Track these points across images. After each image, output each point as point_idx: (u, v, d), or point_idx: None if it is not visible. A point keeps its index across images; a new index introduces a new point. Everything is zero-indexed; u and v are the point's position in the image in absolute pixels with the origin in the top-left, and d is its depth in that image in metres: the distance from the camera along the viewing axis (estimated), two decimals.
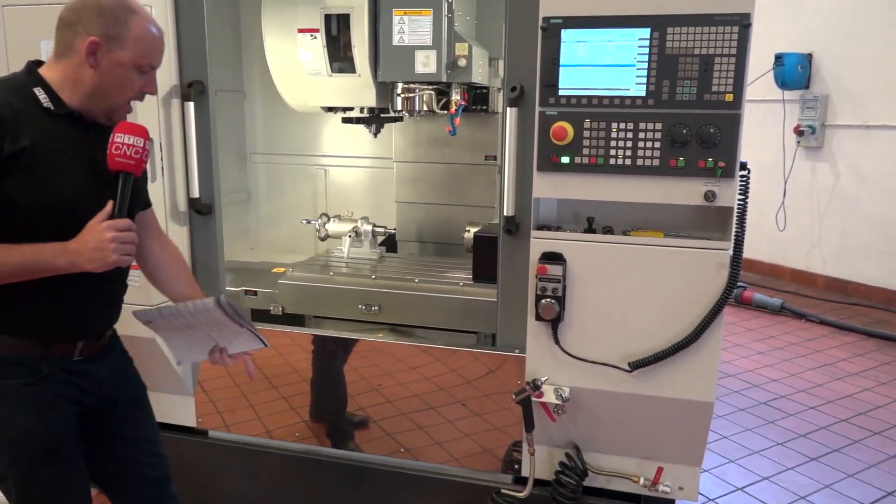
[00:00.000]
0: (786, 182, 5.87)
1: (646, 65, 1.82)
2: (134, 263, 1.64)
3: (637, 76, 1.83)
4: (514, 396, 2.09)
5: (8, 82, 1.52)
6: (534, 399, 2.06)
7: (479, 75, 2.80)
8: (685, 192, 1.86)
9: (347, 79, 2.74)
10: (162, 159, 2.39)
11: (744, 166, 1.86)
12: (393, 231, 3.17)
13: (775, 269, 6.11)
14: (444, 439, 2.41)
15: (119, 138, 1.52)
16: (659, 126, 1.83)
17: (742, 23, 1.74)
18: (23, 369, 1.53)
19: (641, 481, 2.17)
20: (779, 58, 5.71)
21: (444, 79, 2.64)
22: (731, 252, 1.89)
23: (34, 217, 1.47)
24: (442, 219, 3.41)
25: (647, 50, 1.81)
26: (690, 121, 1.81)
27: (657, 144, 1.84)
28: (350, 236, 3.09)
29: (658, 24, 1.79)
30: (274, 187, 3.75)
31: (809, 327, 5.01)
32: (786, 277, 6.04)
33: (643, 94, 1.83)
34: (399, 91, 2.79)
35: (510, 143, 2.08)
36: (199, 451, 2.61)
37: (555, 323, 2.01)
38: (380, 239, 3.18)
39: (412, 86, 2.78)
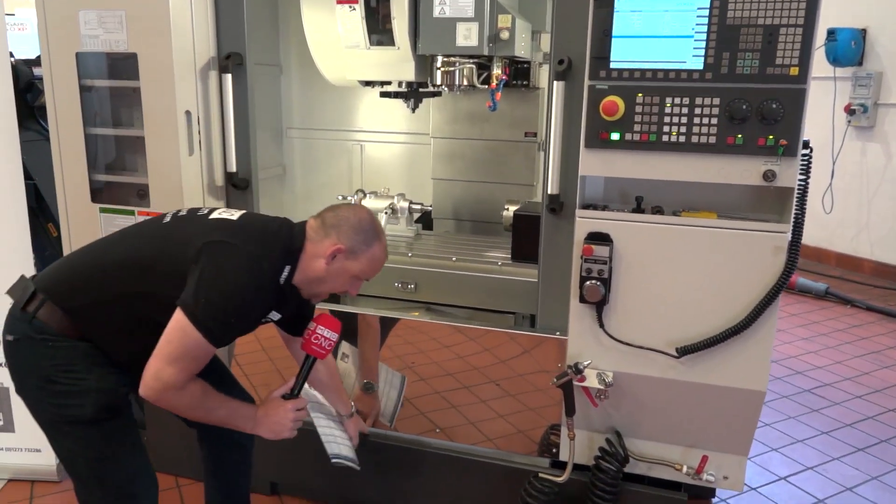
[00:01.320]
0: (834, 162, 5.66)
1: (704, 36, 1.72)
2: None
3: (694, 48, 1.73)
4: (555, 380, 2.03)
5: (278, 244, 1.69)
6: (575, 383, 2.00)
7: (522, 49, 2.70)
8: (743, 171, 1.77)
9: (386, 52, 2.67)
10: (199, 132, 2.36)
11: (806, 145, 1.76)
12: (429, 208, 3.11)
13: (820, 253, 5.92)
14: (478, 419, 2.36)
15: (320, 331, 1.79)
16: (717, 101, 1.74)
17: None
18: (83, 341, 1.65)
19: (685, 469, 2.10)
20: (831, 33, 5.47)
21: (485, 52, 2.55)
22: (789, 235, 1.79)
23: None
24: (479, 196, 3.34)
25: (706, 20, 1.71)
26: (751, 96, 1.71)
27: (714, 121, 1.75)
28: (386, 213, 3.03)
29: None
30: (309, 162, 3.71)
31: (855, 313, 4.85)
32: (831, 262, 5.85)
33: (700, 66, 1.73)
34: (439, 65, 2.72)
35: (556, 119, 2.00)
36: None
37: (599, 306, 1.94)
38: (416, 216, 3.12)
39: (452, 59, 2.69)
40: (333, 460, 1.94)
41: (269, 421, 1.71)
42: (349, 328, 2.49)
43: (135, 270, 1.63)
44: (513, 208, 2.83)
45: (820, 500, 2.71)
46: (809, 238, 5.94)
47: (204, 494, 2.12)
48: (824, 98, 5.68)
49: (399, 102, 3.01)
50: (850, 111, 5.53)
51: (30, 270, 2.55)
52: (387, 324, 2.44)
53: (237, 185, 2.39)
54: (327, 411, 2.06)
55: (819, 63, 5.55)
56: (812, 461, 2.99)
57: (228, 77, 2.31)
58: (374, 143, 3.57)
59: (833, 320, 4.71)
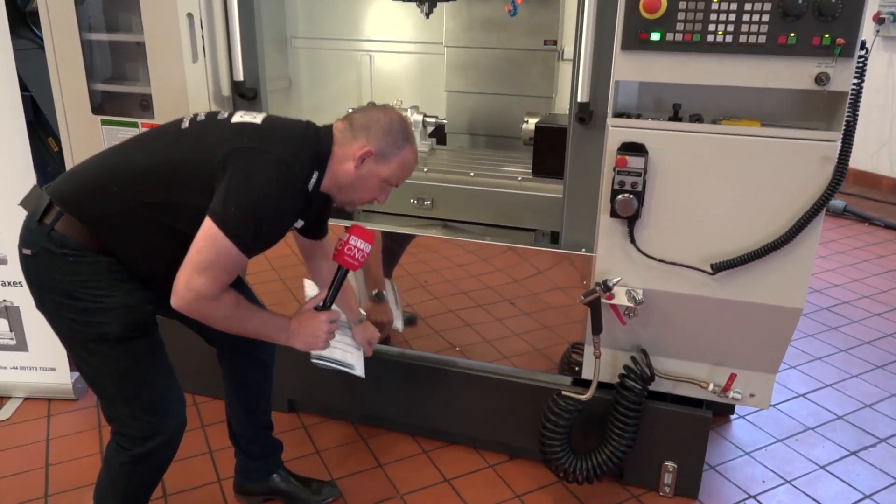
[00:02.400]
0: None
1: None
2: None
3: None
4: (582, 298, 1.96)
5: (307, 149, 1.59)
6: (603, 301, 1.93)
7: None
8: (793, 74, 1.63)
9: None
10: (203, 38, 2.20)
11: (863, 45, 1.62)
12: (444, 121, 2.97)
13: None
14: (494, 338, 2.31)
15: (353, 241, 1.72)
16: None
17: None
18: (105, 256, 1.58)
19: (711, 387, 2.06)
20: None
21: None
22: (839, 144, 1.68)
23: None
24: (495, 109, 3.20)
25: None
26: None
27: (765, 18, 1.60)
28: None
29: None
30: (316, 75, 3.54)
31: (873, 231, 4.76)
32: (849, 179, 5.69)
33: None
34: None
35: (588, 19, 1.84)
36: None
37: (631, 220, 1.84)
38: (430, 130, 2.99)
39: None
40: (314, 360, 1.88)
41: (304, 332, 1.68)
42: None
43: (157, 178, 1.53)
44: (533, 121, 2.70)
45: (839, 416, 2.70)
46: None
47: (225, 412, 2.09)
48: None
49: (410, 9, 2.84)
50: (878, 20, 5.26)
51: (32, 185, 2.45)
52: (402, 241, 2.35)
53: (244, 95, 2.26)
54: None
55: None
56: (831, 378, 2.97)
57: None
58: (385, 53, 3.39)
59: (851, 238, 4.63)
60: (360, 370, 2.02)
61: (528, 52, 3.05)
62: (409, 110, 2.91)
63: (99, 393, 1.66)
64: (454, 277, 2.34)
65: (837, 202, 4.97)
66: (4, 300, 2.62)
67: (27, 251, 1.56)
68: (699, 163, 1.77)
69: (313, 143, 1.61)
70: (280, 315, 1.69)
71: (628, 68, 1.76)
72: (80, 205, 1.54)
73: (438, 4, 2.89)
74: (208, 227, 1.46)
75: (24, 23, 2.69)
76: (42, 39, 2.33)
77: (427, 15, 2.83)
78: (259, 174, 1.49)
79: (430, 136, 3.02)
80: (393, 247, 2.38)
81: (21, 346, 2.69)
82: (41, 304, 1.60)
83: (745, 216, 1.78)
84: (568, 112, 2.04)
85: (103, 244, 1.55)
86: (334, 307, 1.81)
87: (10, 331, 2.66)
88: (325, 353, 1.88)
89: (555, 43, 3.00)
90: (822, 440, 2.55)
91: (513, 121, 3.10)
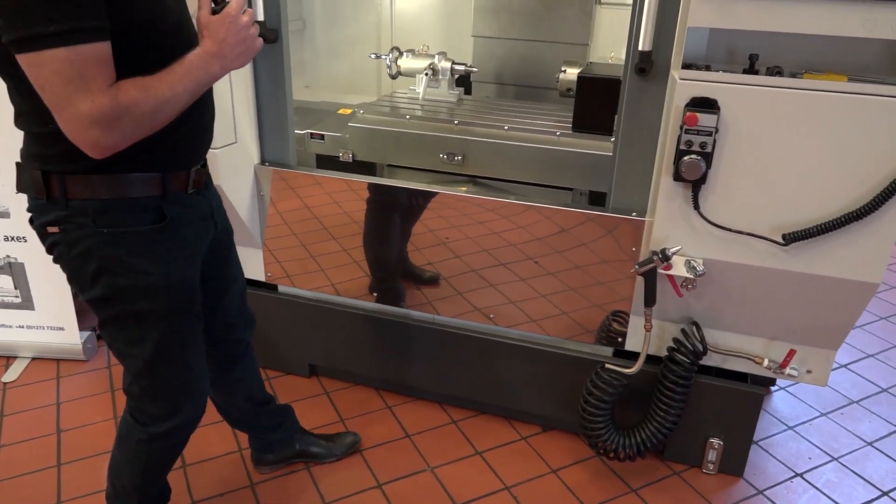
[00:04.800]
0: None
1: None
2: None
3: None
4: (637, 267, 1.81)
5: None
6: (660, 271, 1.78)
7: None
8: (893, 21, 1.44)
9: None
10: None
11: None
12: (474, 69, 2.77)
13: None
14: (537, 305, 2.17)
15: None
16: None
17: None
18: (146, 214, 1.37)
19: (766, 363, 1.93)
20: None
21: None
22: None
23: (136, 36, 1.23)
24: (526, 56, 2.99)
25: None
26: None
27: None
28: (427, 74, 2.70)
29: None
30: (331, 16, 3.32)
31: None
32: None
33: None
34: None
35: None
36: (270, 306, 2.43)
37: (697, 184, 1.67)
38: (456, 77, 2.79)
39: None
40: None
41: (230, 46, 1.30)
42: (397, 202, 2.25)
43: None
44: (573, 71, 2.51)
45: (884, 388, 2.59)
46: None
47: (217, 407, 1.95)
48: None
49: None
50: None
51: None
52: (430, 198, 2.19)
53: (266, 38, 2.05)
54: None
55: None
56: (873, 348, 2.85)
57: None
58: None
59: None
60: None
61: None
62: (436, 56, 2.71)
63: (126, 365, 1.50)
64: (478, 234, 2.18)
65: None
66: (7, 256, 2.47)
67: (54, 227, 1.35)
68: (777, 122, 1.59)
69: None
70: (189, 54, 1.28)
71: (704, 13, 1.56)
72: (65, 154, 1.27)
73: None
74: (23, 62, 1.13)
75: None
76: None
77: None
78: None
79: (457, 84, 2.82)
80: (416, 203, 2.21)
81: (27, 303, 2.55)
82: (73, 279, 1.42)
83: (825, 182, 1.61)
84: (612, 61, 1.85)
85: (116, 160, 1.27)
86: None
87: (15, 288, 2.52)
88: None
89: None
90: (867, 414, 2.44)
91: (545, 69, 2.90)
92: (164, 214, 1.39)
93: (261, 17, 2.00)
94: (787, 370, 1.92)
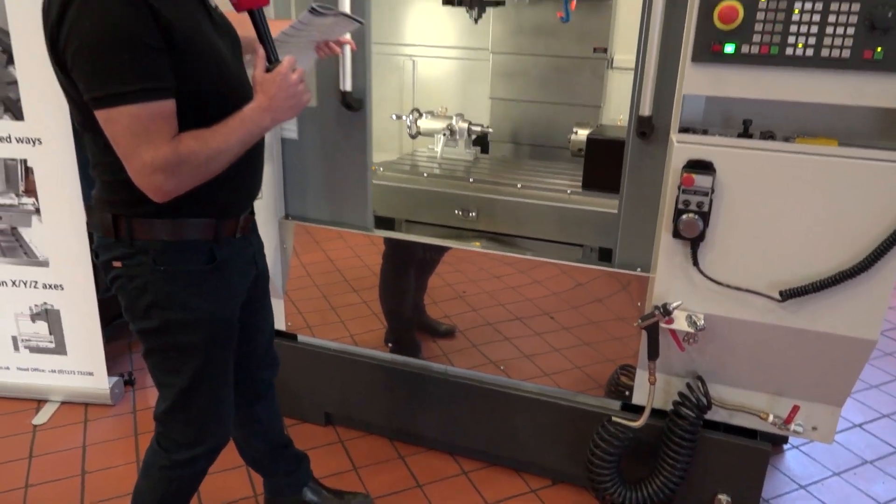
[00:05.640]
0: None
1: None
2: None
3: None
4: (639, 321, 1.87)
5: None
6: (662, 326, 1.84)
7: None
8: (879, 91, 1.53)
9: None
10: None
11: None
12: (489, 130, 2.90)
13: None
14: (541, 355, 2.23)
15: None
16: (856, 7, 1.48)
17: None
18: (199, 255, 1.52)
19: (771, 418, 1.95)
20: None
21: None
22: None
23: (200, 96, 1.38)
24: (541, 118, 3.12)
25: None
26: None
27: (850, 31, 1.50)
28: (444, 134, 2.84)
29: None
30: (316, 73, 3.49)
31: None
32: None
33: None
34: None
35: (654, 29, 1.75)
36: (289, 355, 2.52)
37: (695, 242, 1.75)
38: (473, 137, 2.92)
39: None
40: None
41: (280, 100, 1.42)
42: (413, 258, 2.35)
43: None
44: (583, 132, 2.61)
45: None
46: None
47: (236, 445, 2.02)
48: None
49: (454, 14, 2.77)
50: None
51: (75, 185, 2.44)
52: (440, 252, 2.28)
53: (351, 106, 2.16)
54: (291, 40, 1.64)
55: None
56: (888, 408, 2.83)
57: None
58: (428, 58, 3.33)
59: None
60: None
61: (577, 59, 2.97)
62: (454, 117, 2.85)
63: (163, 392, 1.62)
64: (497, 289, 2.26)
65: None
66: (45, 303, 2.61)
67: (118, 263, 1.49)
68: (771, 183, 1.67)
69: None
70: (243, 109, 1.41)
71: (698, 82, 1.66)
72: (134, 199, 1.41)
73: (486, 10, 2.82)
74: (101, 117, 1.29)
75: None
76: None
77: (476, 20, 2.77)
78: (76, 31, 1.25)
79: (474, 144, 2.95)
80: (432, 257, 2.31)
81: (60, 349, 2.67)
82: (128, 309, 1.55)
83: (819, 241, 1.67)
84: (621, 124, 1.96)
85: (177, 206, 1.42)
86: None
87: (50, 333, 2.65)
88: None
89: (605, 51, 2.91)
90: (881, 475, 2.42)
91: (559, 130, 3.01)
92: (215, 256, 1.53)
93: (348, 88, 2.12)
94: (792, 426, 1.94)
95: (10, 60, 2.33)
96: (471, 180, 2.56)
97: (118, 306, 1.56)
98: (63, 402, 2.71)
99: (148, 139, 1.29)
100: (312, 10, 1.52)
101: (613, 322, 2.09)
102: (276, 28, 1.56)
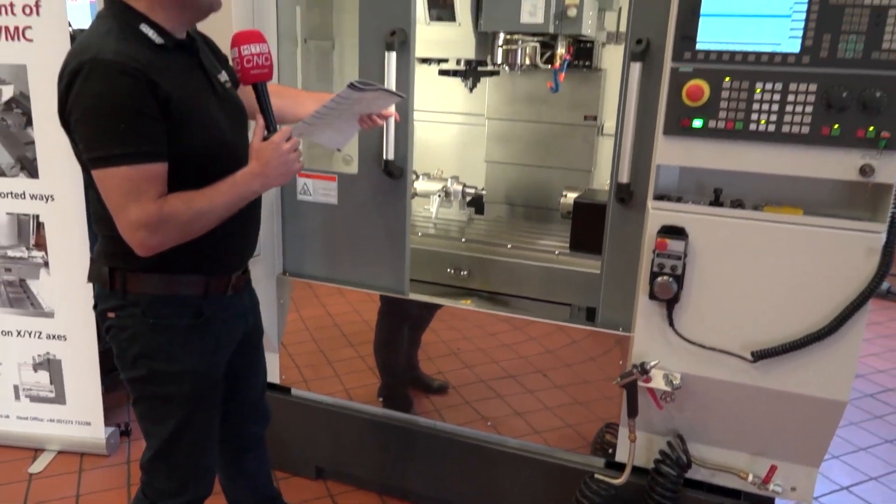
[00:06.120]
0: None
1: (803, 15, 1.58)
2: None
3: (791, 29, 1.59)
4: (618, 380, 1.93)
5: (111, 30, 1.44)
6: (640, 384, 1.90)
7: (589, 27, 2.57)
8: (837, 165, 1.63)
9: (446, 28, 2.57)
10: None
11: None
12: (482, 192, 3.02)
13: None
14: (526, 411, 2.28)
15: (246, 51, 1.52)
16: (813, 87, 1.60)
17: None
18: (187, 310, 1.59)
19: (750, 478, 1.99)
20: None
21: (551, 30, 2.43)
22: (884, 236, 1.66)
23: (200, 162, 1.49)
24: (534, 181, 3.24)
25: None
26: (852, 82, 1.57)
27: (809, 109, 1.61)
28: (439, 196, 2.95)
29: None
30: (358, 139, 3.64)
31: None
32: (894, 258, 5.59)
33: (797, 50, 1.60)
34: (500, 42, 2.61)
35: (630, 103, 1.88)
36: (282, 408, 2.57)
37: (670, 303, 1.83)
38: (468, 199, 3.03)
39: (515, 37, 2.58)
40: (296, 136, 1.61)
41: (273, 167, 1.51)
42: (408, 315, 2.43)
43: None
44: (572, 195, 2.72)
45: None
46: None
47: (226, 497, 2.07)
48: None
49: (453, 81, 2.91)
50: None
51: (84, 240, 2.54)
52: (436, 310, 2.36)
53: (392, 174, 2.25)
54: (331, 113, 1.70)
55: None
56: (876, 471, 2.84)
57: (392, 55, 2.14)
58: (426, 122, 3.48)
59: (895, 321, 4.50)
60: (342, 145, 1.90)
61: (569, 126, 3.10)
62: (449, 180, 2.97)
63: (148, 441, 1.68)
64: (487, 347, 2.33)
65: None
66: (48, 353, 2.68)
67: (112, 313, 1.59)
68: (740, 249, 1.76)
69: (112, 16, 1.46)
70: (235, 174, 1.50)
71: (670, 153, 1.77)
72: (119, 250, 1.51)
73: (482, 79, 2.97)
74: (95, 175, 1.41)
75: None
76: None
77: (471, 89, 2.91)
78: (80, 100, 1.38)
79: (469, 205, 3.06)
80: (424, 315, 2.39)
81: (59, 398, 2.73)
82: (118, 358, 1.62)
83: (788, 304, 1.75)
84: (607, 187, 2.06)
85: (164, 260, 1.51)
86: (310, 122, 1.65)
87: (51, 383, 2.72)
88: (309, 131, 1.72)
89: (595, 118, 3.05)
90: None
91: (552, 193, 3.12)
92: (202, 312, 1.61)
93: (391, 157, 2.22)
94: (771, 486, 1.97)
95: (29, 122, 2.48)
96: (463, 240, 2.66)
97: None
98: (60, 452, 2.76)
99: (136, 198, 1.39)
100: (352, 86, 1.60)
101: (600, 380, 2.15)
102: (319, 100, 1.67)
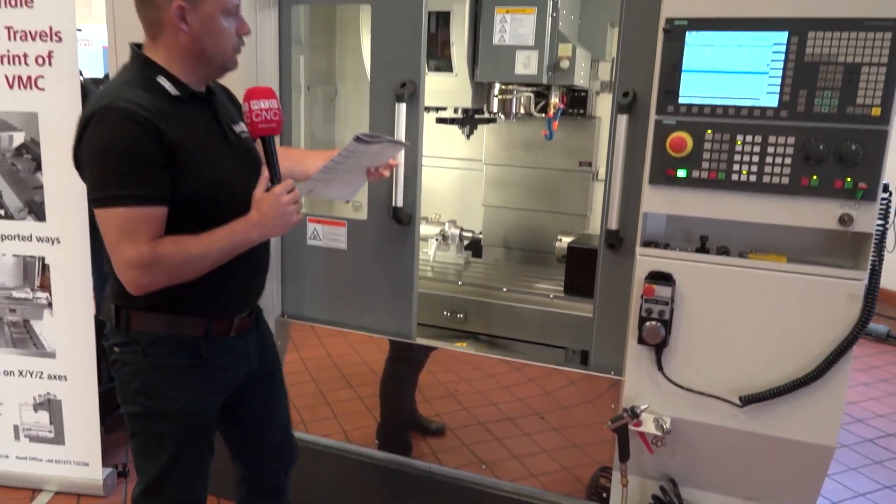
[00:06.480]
0: None
1: (780, 72, 1.65)
2: None
3: (769, 85, 1.66)
4: (609, 423, 1.96)
5: (129, 80, 1.53)
6: (631, 428, 1.92)
7: (581, 78, 2.67)
8: (817, 214, 1.68)
9: (444, 78, 2.66)
10: None
11: (886, 188, 1.67)
12: (479, 236, 3.08)
13: (881, 293, 5.66)
14: (523, 454, 2.29)
15: (256, 105, 1.58)
16: (791, 140, 1.66)
17: None
18: (185, 350, 1.63)
19: None
20: None
21: (544, 81, 2.52)
22: (865, 283, 1.70)
23: (202, 206, 1.55)
24: (531, 225, 3.30)
25: (782, 56, 1.64)
26: (828, 136, 1.63)
27: (788, 160, 1.67)
28: (437, 239, 3.01)
29: (798, 28, 1.62)
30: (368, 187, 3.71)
31: None
32: (892, 303, 5.59)
33: (775, 104, 1.66)
34: (496, 92, 2.70)
35: (618, 153, 1.94)
36: None
37: (659, 348, 1.86)
38: (466, 242, 3.09)
39: (510, 87, 2.67)
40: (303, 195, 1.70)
41: (270, 218, 1.55)
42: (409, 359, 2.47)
43: None
44: (566, 240, 2.77)
45: None
46: None
47: None
48: None
49: (450, 127, 2.99)
50: None
51: (88, 282, 2.60)
52: (432, 352, 2.40)
53: (400, 220, 2.30)
54: (338, 168, 1.74)
55: None
56: None
57: (402, 106, 2.23)
58: (424, 167, 3.54)
59: (895, 365, 4.49)
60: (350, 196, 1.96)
61: (564, 171, 3.17)
62: (446, 224, 3.03)
63: (139, 476, 1.71)
64: (484, 389, 2.35)
65: (880, 327, 4.86)
66: (48, 393, 2.71)
67: (117, 348, 1.66)
68: (726, 294, 1.80)
69: (128, 71, 1.57)
70: (234, 222, 1.55)
71: (656, 201, 1.83)
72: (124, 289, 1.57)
73: (479, 126, 3.05)
74: (97, 215, 1.49)
75: None
76: None
77: (468, 136, 2.99)
78: (90, 144, 1.47)
79: (466, 248, 3.12)
80: (420, 357, 2.42)
81: (58, 438, 2.75)
82: (119, 391, 1.68)
83: (774, 349, 1.79)
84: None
85: (171, 302, 1.58)
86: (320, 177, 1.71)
87: (50, 423, 2.74)
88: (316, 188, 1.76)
89: (589, 164, 3.12)
90: None
91: (548, 237, 3.18)
92: (200, 353, 1.64)
93: (400, 204, 2.28)
94: None
95: (38, 167, 2.56)
96: (460, 283, 2.70)
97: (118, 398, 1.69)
98: (57, 493, 2.76)
99: (131, 238, 1.45)
100: (358, 139, 1.66)
101: (596, 423, 2.17)
102: (325, 158, 1.73)
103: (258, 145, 1.76)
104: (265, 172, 1.61)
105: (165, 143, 1.47)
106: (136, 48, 1.59)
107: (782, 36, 1.63)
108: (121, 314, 1.61)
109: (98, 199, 1.47)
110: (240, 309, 1.73)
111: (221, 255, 1.55)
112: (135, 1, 1.55)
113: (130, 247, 1.46)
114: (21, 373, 2.72)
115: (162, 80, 1.54)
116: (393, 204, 2.30)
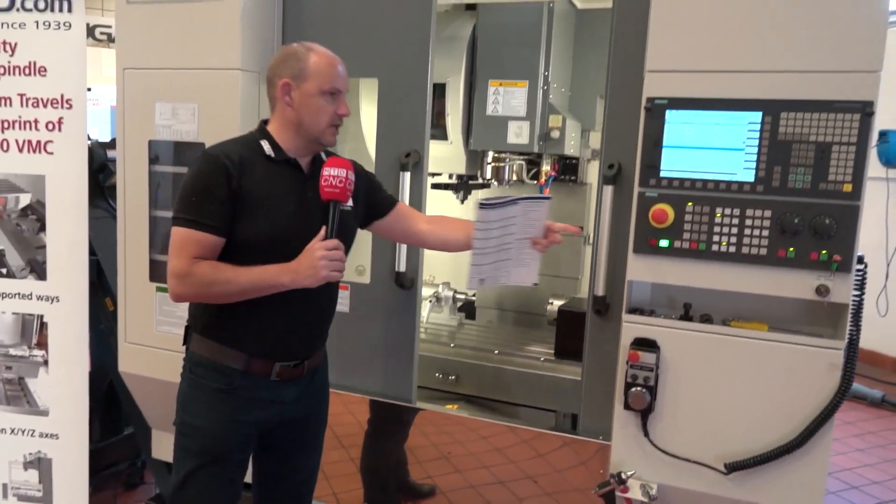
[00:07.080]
0: (888, 264, 5.50)
1: (755, 149, 1.73)
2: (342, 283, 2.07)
3: (745, 161, 1.74)
4: (596, 489, 1.97)
5: (243, 138, 1.82)
6: (618, 494, 1.93)
7: (572, 147, 2.77)
8: (795, 284, 1.74)
9: (439, 146, 2.76)
10: None
11: (860, 260, 1.73)
12: (473, 298, 3.13)
13: (875, 358, 5.68)
14: None
15: (327, 171, 1.71)
16: (768, 213, 1.73)
17: (864, 111, 1.65)
18: (222, 377, 1.77)
19: None
20: (883, 134, 5.37)
21: (536, 150, 2.62)
22: (844, 352, 1.74)
23: (255, 246, 1.71)
24: (523, 288, 3.33)
25: (757, 134, 1.73)
26: (803, 210, 1.70)
27: (765, 233, 1.74)
28: (431, 301, 3.06)
29: (771, 108, 1.71)
30: (354, 248, 3.77)
31: None
32: (887, 367, 5.60)
33: (751, 179, 1.74)
34: (489, 160, 2.79)
35: (605, 222, 2.01)
36: None
37: (645, 413, 1.89)
38: (459, 305, 3.14)
39: (503, 155, 2.77)
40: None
41: (303, 267, 1.64)
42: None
43: None
44: (557, 303, 2.82)
45: None
46: (863, 341, 5.65)
47: None
48: (877, 199, 5.58)
49: (446, 192, 3.08)
50: None
51: (84, 341, 2.63)
52: (424, 414, 2.41)
53: (402, 285, 2.36)
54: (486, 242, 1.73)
55: (871, 163, 5.48)
56: None
57: (407, 175, 2.33)
58: None
59: (890, 431, 4.47)
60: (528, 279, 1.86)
61: None
62: (440, 286, 3.08)
63: (171, 479, 1.86)
64: (477, 451, 2.36)
65: (875, 392, 4.86)
66: (39, 451, 2.71)
67: (183, 363, 1.86)
68: (710, 362, 1.84)
69: (246, 133, 1.83)
70: (274, 265, 1.67)
71: (640, 269, 1.89)
72: (197, 316, 1.82)
73: (473, 191, 3.14)
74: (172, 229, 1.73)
75: (102, 194, 2.99)
76: (115, 210, 2.62)
77: (462, 201, 3.07)
78: (186, 175, 1.75)
79: (460, 310, 3.16)
80: (404, 418, 2.43)
81: (47, 498, 2.73)
82: (176, 400, 1.85)
83: (758, 416, 1.82)
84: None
85: (219, 331, 1.77)
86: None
87: (39, 482, 2.72)
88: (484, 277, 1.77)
89: (581, 229, 3.20)
90: None
91: (540, 299, 3.22)
92: (234, 382, 1.77)
93: (402, 269, 2.34)
94: None
95: (42, 228, 2.62)
96: (452, 345, 2.74)
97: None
98: None
99: (179, 253, 1.67)
100: (482, 205, 1.70)
101: (587, 488, 2.16)
102: (464, 227, 1.90)
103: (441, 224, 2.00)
104: (322, 231, 1.68)
105: (233, 186, 1.67)
106: (263, 122, 1.83)
107: (757, 116, 1.73)
108: (188, 334, 1.84)
109: (173, 217, 1.72)
110: (280, 356, 1.80)
111: (250, 287, 1.67)
112: (266, 80, 1.80)
113: (176, 260, 1.68)
114: (13, 430, 2.72)
115: (263, 143, 1.76)
116: (396, 269, 2.35)
